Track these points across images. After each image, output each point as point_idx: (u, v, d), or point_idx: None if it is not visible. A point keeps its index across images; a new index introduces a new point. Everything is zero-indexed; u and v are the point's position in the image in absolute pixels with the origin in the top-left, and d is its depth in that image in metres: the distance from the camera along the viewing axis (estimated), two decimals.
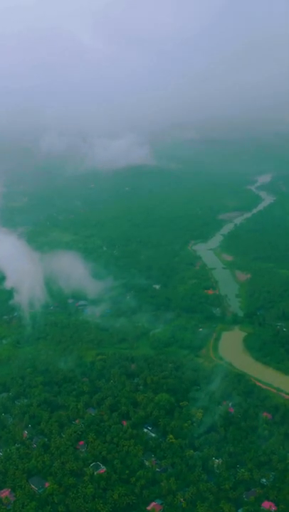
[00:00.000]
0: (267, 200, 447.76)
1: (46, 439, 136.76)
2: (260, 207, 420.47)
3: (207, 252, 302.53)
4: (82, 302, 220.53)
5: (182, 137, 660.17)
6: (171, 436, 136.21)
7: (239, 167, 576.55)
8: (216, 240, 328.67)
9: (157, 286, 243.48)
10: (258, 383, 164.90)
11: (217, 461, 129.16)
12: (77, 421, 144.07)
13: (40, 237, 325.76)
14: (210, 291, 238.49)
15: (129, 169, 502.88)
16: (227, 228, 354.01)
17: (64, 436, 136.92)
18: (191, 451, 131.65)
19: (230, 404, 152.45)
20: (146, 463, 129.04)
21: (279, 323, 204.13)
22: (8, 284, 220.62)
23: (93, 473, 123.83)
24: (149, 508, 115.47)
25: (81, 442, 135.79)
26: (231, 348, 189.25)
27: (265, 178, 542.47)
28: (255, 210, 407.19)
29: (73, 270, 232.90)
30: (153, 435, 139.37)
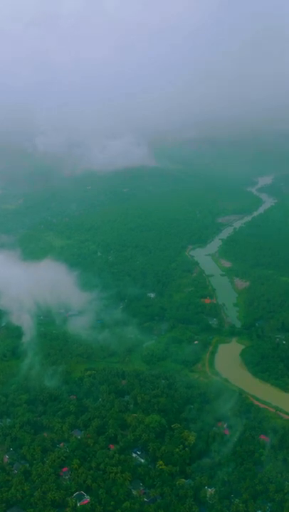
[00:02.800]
0: (268, 202, 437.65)
1: (28, 465, 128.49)
2: (261, 210, 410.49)
3: (205, 257, 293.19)
4: (72, 312, 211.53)
5: (182, 137, 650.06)
6: (161, 462, 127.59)
7: (239, 168, 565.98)
8: (215, 244, 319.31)
9: (152, 295, 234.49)
10: (256, 402, 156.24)
11: (210, 490, 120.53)
12: (61, 444, 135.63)
13: (34, 242, 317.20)
14: (207, 300, 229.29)
15: (127, 170, 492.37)
16: (226, 232, 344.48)
17: (47, 461, 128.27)
18: (182, 479, 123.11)
19: (225, 425, 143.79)
20: (134, 492, 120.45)
21: (278, 336, 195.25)
22: None
23: (76, 504, 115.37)
24: None
25: (65, 468, 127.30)
26: (228, 363, 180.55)
27: (266, 180, 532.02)
28: (255, 213, 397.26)
29: (65, 278, 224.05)
30: (142, 461, 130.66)
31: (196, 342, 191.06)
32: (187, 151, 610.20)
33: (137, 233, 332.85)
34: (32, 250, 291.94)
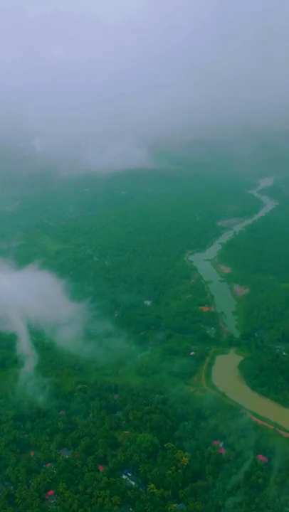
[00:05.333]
0: (269, 205, 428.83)
1: (12, 487, 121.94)
2: (262, 213, 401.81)
3: (204, 262, 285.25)
4: (65, 321, 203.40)
5: (182, 139, 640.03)
6: (152, 485, 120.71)
7: (241, 169, 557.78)
8: (214, 249, 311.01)
9: (148, 302, 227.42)
10: (254, 418, 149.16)
11: None
12: (48, 465, 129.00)
13: (29, 246, 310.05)
14: (205, 308, 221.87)
15: (126, 172, 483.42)
16: (226, 236, 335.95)
17: (32, 484, 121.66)
18: (174, 504, 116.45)
19: (221, 444, 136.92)
20: None
21: (278, 346, 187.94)
22: None
23: None
24: None
25: (50, 492, 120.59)
26: (226, 375, 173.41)
27: (267, 182, 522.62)
28: (256, 217, 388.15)
29: (57, 285, 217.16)
30: (132, 483, 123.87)
31: (192, 353, 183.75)
32: (187, 152, 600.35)
33: (134, 237, 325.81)
34: (26, 255, 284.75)
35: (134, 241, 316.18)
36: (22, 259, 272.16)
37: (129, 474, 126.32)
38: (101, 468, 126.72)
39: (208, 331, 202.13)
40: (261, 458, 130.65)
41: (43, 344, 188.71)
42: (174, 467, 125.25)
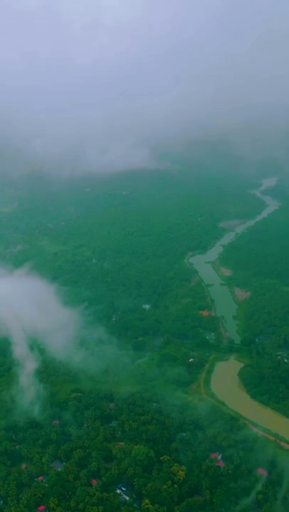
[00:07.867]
0: (272, 206, 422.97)
1: (2, 502, 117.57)
2: (264, 214, 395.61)
3: (205, 265, 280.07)
4: (61, 326, 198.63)
5: (184, 139, 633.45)
6: (147, 500, 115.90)
7: (243, 169, 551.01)
8: (215, 251, 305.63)
9: (147, 306, 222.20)
10: (254, 428, 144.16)
11: None
12: (40, 478, 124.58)
13: (27, 248, 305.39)
14: (205, 312, 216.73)
15: (127, 173, 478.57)
16: (228, 238, 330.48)
17: (22, 499, 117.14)
18: None
19: (219, 457, 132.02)
20: None
21: (280, 353, 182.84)
22: None
23: None
24: None
25: (41, 507, 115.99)
26: (225, 383, 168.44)
27: (270, 182, 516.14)
28: (258, 218, 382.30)
29: (54, 289, 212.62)
30: (126, 498, 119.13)
31: (191, 360, 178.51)
32: (189, 153, 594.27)
33: (134, 238, 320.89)
34: (24, 257, 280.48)
35: (134, 242, 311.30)
36: (19, 262, 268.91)
37: (124, 489, 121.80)
38: (94, 482, 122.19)
39: (207, 337, 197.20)
40: (261, 472, 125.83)
41: (37, 350, 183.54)
42: (169, 481, 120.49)
